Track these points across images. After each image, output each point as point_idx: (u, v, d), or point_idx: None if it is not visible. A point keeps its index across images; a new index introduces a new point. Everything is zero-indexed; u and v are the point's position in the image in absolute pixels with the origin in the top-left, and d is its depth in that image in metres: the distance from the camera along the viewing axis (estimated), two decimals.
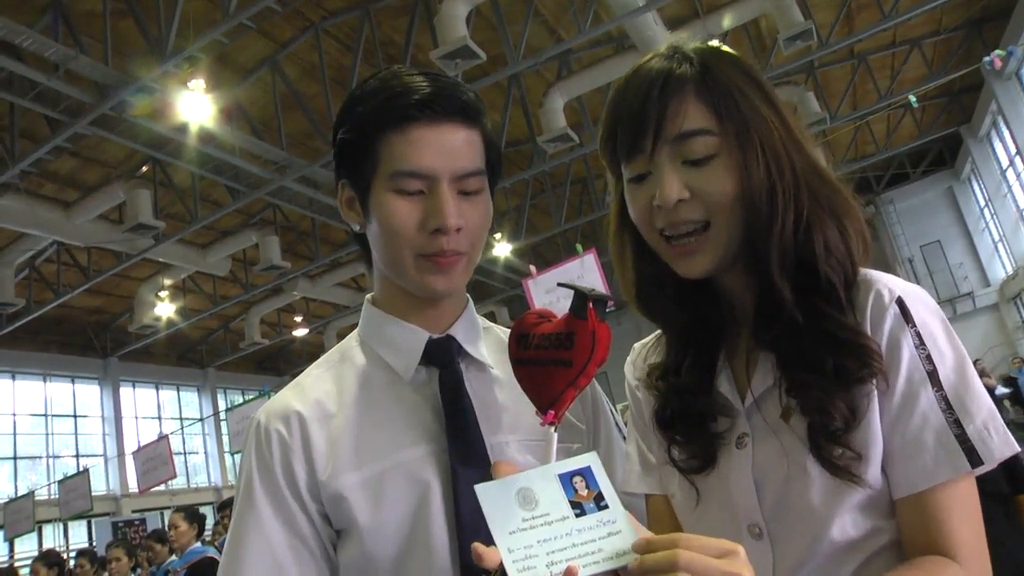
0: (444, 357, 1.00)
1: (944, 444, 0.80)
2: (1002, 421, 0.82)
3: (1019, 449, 0.82)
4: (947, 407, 0.82)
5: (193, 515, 5.29)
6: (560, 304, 0.88)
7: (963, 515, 0.80)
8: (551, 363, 0.82)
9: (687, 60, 0.90)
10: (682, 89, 0.87)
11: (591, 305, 0.80)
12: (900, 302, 0.85)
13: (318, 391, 1.00)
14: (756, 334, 0.91)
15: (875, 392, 0.83)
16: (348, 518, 0.92)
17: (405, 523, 0.92)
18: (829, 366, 0.83)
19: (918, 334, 0.84)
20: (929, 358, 0.83)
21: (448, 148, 0.92)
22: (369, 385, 1.00)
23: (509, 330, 0.96)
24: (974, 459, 0.80)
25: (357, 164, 0.96)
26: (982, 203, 18.46)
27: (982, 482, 3.05)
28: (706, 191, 0.87)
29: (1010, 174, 16.36)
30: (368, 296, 1.09)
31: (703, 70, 0.89)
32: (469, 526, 0.89)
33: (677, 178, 0.87)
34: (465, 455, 0.93)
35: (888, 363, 0.83)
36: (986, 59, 6.90)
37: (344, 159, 0.99)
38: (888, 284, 0.87)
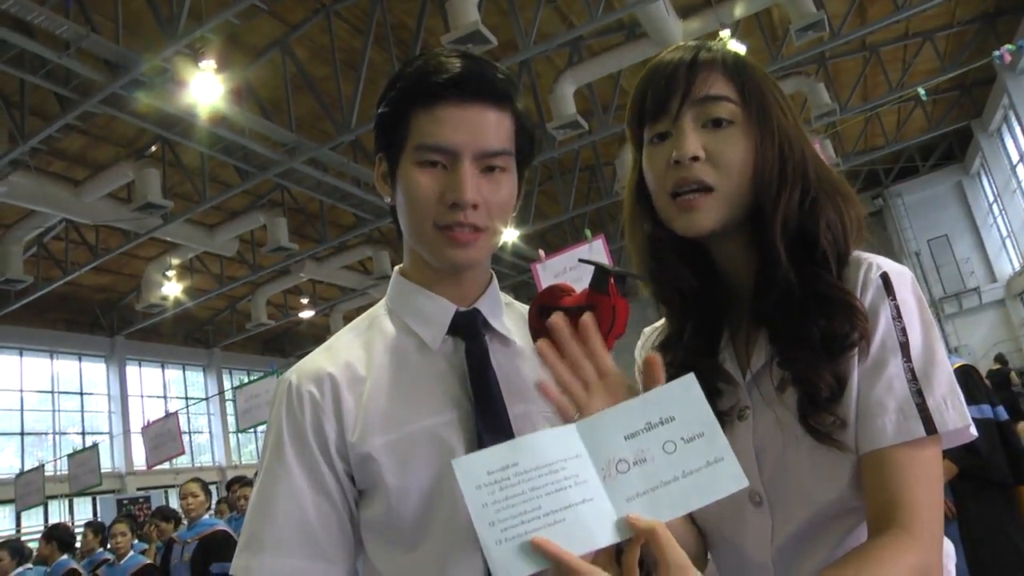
0: (470, 329, 1.04)
1: (904, 409, 0.86)
2: (961, 397, 0.88)
3: (971, 422, 0.88)
4: (912, 378, 0.87)
5: (205, 486, 5.36)
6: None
7: (921, 480, 0.84)
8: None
9: (713, 48, 0.97)
10: (711, 64, 0.94)
11: (612, 280, 0.84)
12: (884, 276, 0.91)
13: (349, 355, 1.04)
14: (754, 305, 0.96)
15: (856, 360, 0.89)
16: (375, 478, 0.96)
17: (430, 485, 0.95)
18: (817, 335, 0.88)
19: (896, 307, 0.89)
20: (904, 331, 0.89)
21: (473, 127, 0.95)
22: (397, 352, 1.03)
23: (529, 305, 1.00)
24: (929, 427, 0.85)
25: (390, 138, 1.00)
26: (991, 198, 18.39)
27: (987, 471, 3.07)
28: (721, 153, 0.92)
29: (1020, 170, 16.27)
30: (397, 267, 1.12)
31: (730, 56, 0.96)
32: None
33: (696, 137, 0.92)
34: (490, 423, 0.97)
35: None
36: (996, 53, 6.86)
37: (381, 133, 1.02)
38: (876, 261, 0.93)
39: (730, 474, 0.72)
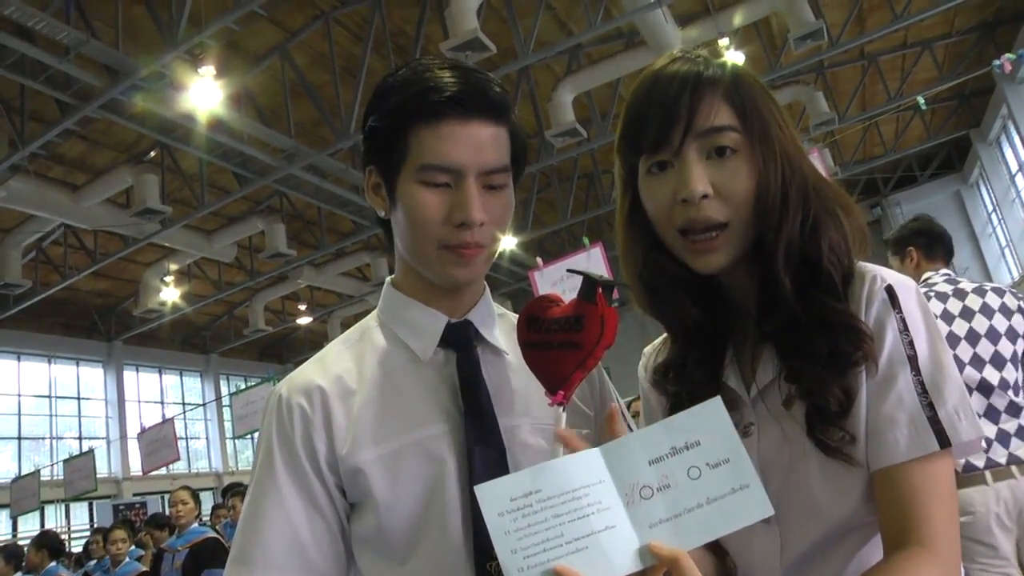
0: (462, 341, 1.03)
1: (915, 423, 0.84)
2: (972, 407, 0.86)
3: (984, 433, 0.86)
4: (922, 391, 0.86)
5: (195, 493, 5.37)
6: (567, 296, 0.91)
7: (935, 495, 0.83)
8: (561, 346, 0.85)
9: (712, 65, 0.93)
10: (713, 89, 0.91)
11: (600, 290, 0.83)
12: (889, 289, 0.90)
13: (339, 367, 1.03)
14: (759, 325, 0.95)
15: (864, 375, 0.87)
16: (365, 492, 0.95)
17: (420, 498, 0.95)
18: (824, 351, 0.87)
19: (903, 320, 0.88)
20: (911, 344, 0.87)
21: (476, 144, 0.94)
22: (388, 364, 1.02)
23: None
24: (943, 440, 0.84)
25: (386, 153, 0.98)
26: (990, 208, 18.40)
27: None
28: (728, 187, 0.90)
29: (1019, 179, 16.29)
30: (389, 279, 1.11)
31: (729, 75, 0.93)
32: None
33: (702, 171, 0.90)
34: (480, 435, 0.96)
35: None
36: (996, 63, 6.88)
37: (373, 146, 1.01)
38: (880, 274, 0.92)
39: (756, 501, 0.70)
